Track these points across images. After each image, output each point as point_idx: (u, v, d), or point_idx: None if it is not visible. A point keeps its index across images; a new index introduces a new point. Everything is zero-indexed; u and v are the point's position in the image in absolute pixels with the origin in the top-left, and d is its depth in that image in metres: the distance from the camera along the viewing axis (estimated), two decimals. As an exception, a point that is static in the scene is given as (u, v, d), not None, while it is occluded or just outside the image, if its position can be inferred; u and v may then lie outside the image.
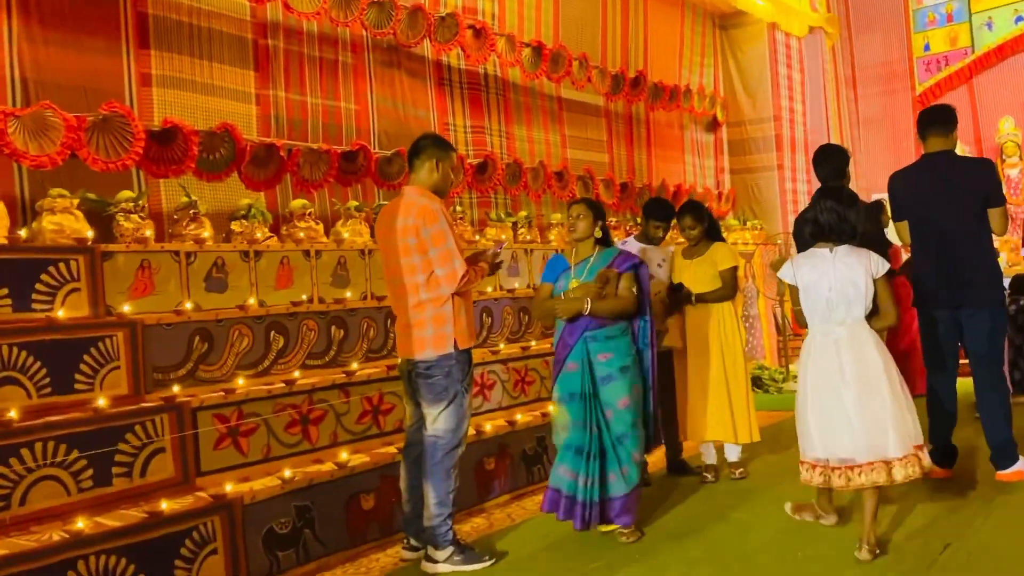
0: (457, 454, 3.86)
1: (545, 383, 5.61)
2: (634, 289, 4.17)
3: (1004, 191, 4.85)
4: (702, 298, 5.09)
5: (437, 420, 3.81)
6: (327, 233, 5.45)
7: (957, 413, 4.83)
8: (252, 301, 4.56)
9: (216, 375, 4.20)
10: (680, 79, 9.97)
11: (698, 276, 5.14)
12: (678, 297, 5.16)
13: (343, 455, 4.22)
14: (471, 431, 4.28)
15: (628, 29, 9.24)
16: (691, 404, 5.17)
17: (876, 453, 3.59)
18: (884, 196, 5.39)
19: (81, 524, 3.20)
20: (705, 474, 5.20)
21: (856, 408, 3.62)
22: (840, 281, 3.68)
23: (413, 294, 3.82)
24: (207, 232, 4.66)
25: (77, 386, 3.70)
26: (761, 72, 10.83)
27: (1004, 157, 11.61)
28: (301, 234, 5.17)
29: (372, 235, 5.14)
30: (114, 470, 3.56)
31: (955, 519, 4.14)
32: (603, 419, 4.11)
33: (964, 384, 4.81)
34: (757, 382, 8.50)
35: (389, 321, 4.90)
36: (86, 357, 3.75)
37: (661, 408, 4.48)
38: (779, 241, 10.23)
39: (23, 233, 4.03)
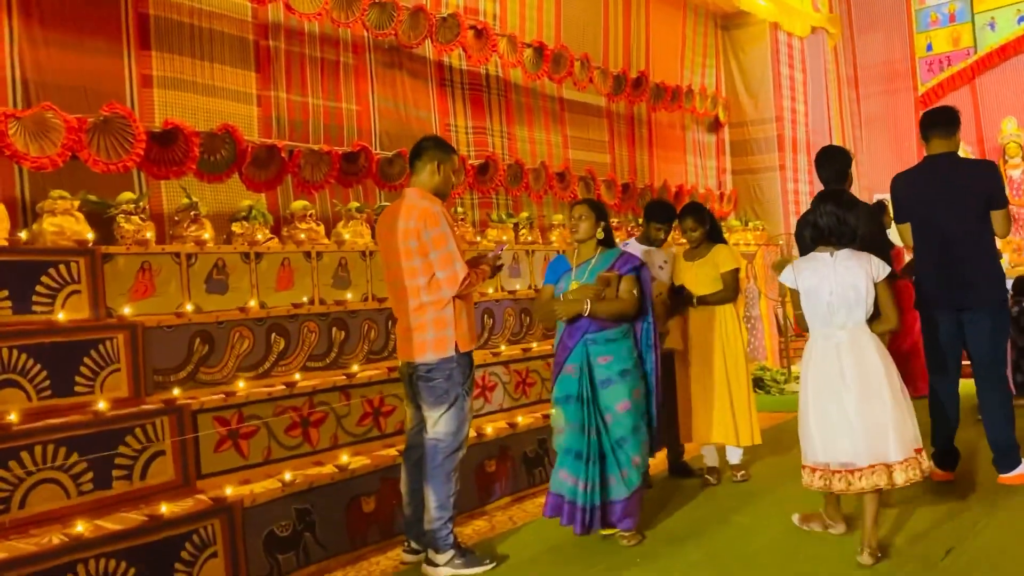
0: (458, 457, 3.85)
1: (546, 385, 5.60)
2: (635, 291, 4.15)
3: (1007, 192, 4.83)
4: (703, 300, 5.08)
5: (438, 423, 3.80)
6: (328, 234, 5.44)
7: (959, 416, 4.82)
8: (253, 303, 4.55)
9: (217, 377, 4.19)
10: (682, 80, 9.95)
11: (699, 278, 5.13)
12: (679, 299, 5.15)
13: (344, 457, 4.21)
14: (472, 433, 4.28)
15: (630, 30, 9.22)
16: (693, 406, 5.16)
17: (877, 456, 3.59)
18: (886, 196, 5.37)
19: (81, 527, 3.20)
20: (707, 476, 5.19)
21: (857, 412, 3.62)
22: (841, 285, 3.68)
23: (414, 297, 3.81)
24: (208, 234, 4.64)
25: (77, 388, 3.70)
26: (763, 72, 10.81)
27: (1006, 158, 11.59)
28: (302, 235, 5.16)
29: (373, 236, 5.13)
30: (114, 473, 3.56)
31: (957, 523, 4.13)
32: (602, 423, 4.09)
33: (966, 385, 4.80)
34: (759, 383, 8.50)
35: (390, 323, 4.90)
36: (86, 359, 3.74)
37: (663, 411, 4.45)
38: (781, 242, 10.22)
39: (23, 235, 4.02)
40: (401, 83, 6.57)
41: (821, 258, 3.77)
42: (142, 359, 3.92)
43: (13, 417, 3.36)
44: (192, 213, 4.65)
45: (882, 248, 5.02)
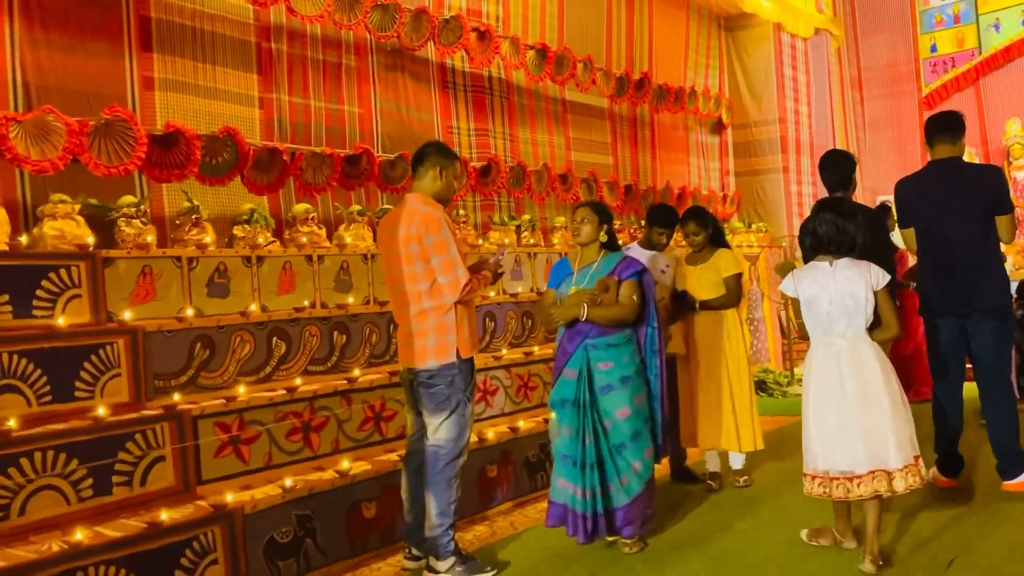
0: (459, 464, 3.83)
1: (548, 389, 5.56)
2: (635, 297, 4.11)
3: (1012, 195, 4.80)
4: (706, 305, 5.06)
5: (439, 430, 3.79)
6: (330, 237, 5.42)
7: (963, 422, 4.79)
8: (254, 307, 4.54)
9: (217, 382, 4.18)
10: (685, 81, 9.93)
11: (702, 282, 5.11)
12: (682, 304, 5.13)
13: (344, 463, 4.20)
14: (473, 438, 4.26)
15: (633, 31, 9.20)
16: (695, 411, 5.14)
17: (876, 463, 3.59)
18: (890, 198, 5.36)
19: (80, 535, 3.18)
20: (709, 482, 5.17)
21: (856, 419, 3.62)
22: (840, 294, 3.69)
23: (415, 302, 3.79)
24: (209, 237, 4.63)
25: (77, 394, 3.69)
26: (766, 74, 10.78)
27: (1011, 159, 11.57)
28: (304, 239, 5.14)
29: (375, 239, 5.11)
30: (114, 479, 3.55)
31: (961, 530, 4.11)
32: (601, 429, 4.06)
33: (969, 389, 4.77)
34: (761, 386, 8.48)
35: (392, 327, 4.88)
36: (87, 364, 3.73)
37: (668, 416, 4.41)
38: (784, 244, 10.19)
39: (24, 239, 4.01)
40: (403, 85, 6.56)
41: (820, 267, 3.78)
42: (143, 364, 3.91)
43: (13, 423, 3.35)
44: (193, 216, 4.63)
45: (885, 252, 5.01)
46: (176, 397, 3.94)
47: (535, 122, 7.90)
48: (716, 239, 5.22)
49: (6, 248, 3.86)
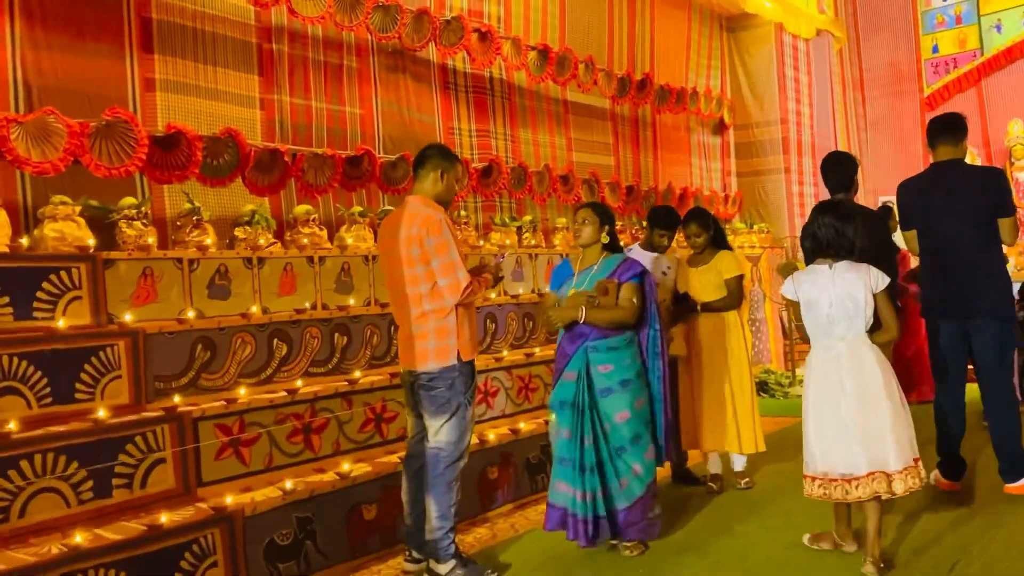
0: (459, 467, 3.82)
1: (549, 390, 5.56)
2: (635, 300, 4.09)
3: (1014, 197, 4.79)
4: (708, 307, 5.06)
5: (439, 432, 3.78)
6: (331, 239, 5.41)
7: (965, 425, 4.78)
8: (255, 309, 4.53)
9: (218, 384, 4.18)
10: (687, 82, 9.92)
11: (703, 284, 5.11)
12: (683, 306, 5.12)
13: (345, 465, 4.19)
14: (474, 440, 4.25)
15: (635, 32, 9.19)
16: (696, 413, 5.13)
17: (875, 465, 3.60)
18: (891, 199, 5.35)
19: (80, 537, 3.18)
20: (710, 484, 5.16)
21: (855, 421, 3.63)
22: (840, 297, 3.70)
23: (416, 305, 3.79)
24: (210, 239, 4.62)
25: (78, 396, 3.68)
26: (768, 74, 10.76)
27: (1013, 160, 11.55)
28: (305, 240, 5.13)
29: (376, 241, 5.11)
30: (114, 481, 3.54)
31: (963, 534, 4.10)
32: (601, 431, 4.04)
33: (971, 391, 4.76)
34: (763, 387, 8.47)
35: (392, 328, 4.87)
36: (87, 366, 3.73)
37: (672, 419, 4.38)
38: (786, 244, 10.18)
39: (25, 241, 4.00)
40: (405, 86, 6.55)
41: (820, 270, 3.79)
42: (143, 366, 3.90)
43: (13, 425, 3.35)
44: (194, 218, 4.63)
45: (887, 253, 5.00)
46: (177, 399, 3.94)
47: (537, 123, 7.90)
48: (718, 241, 5.21)
49: (7, 250, 3.85)
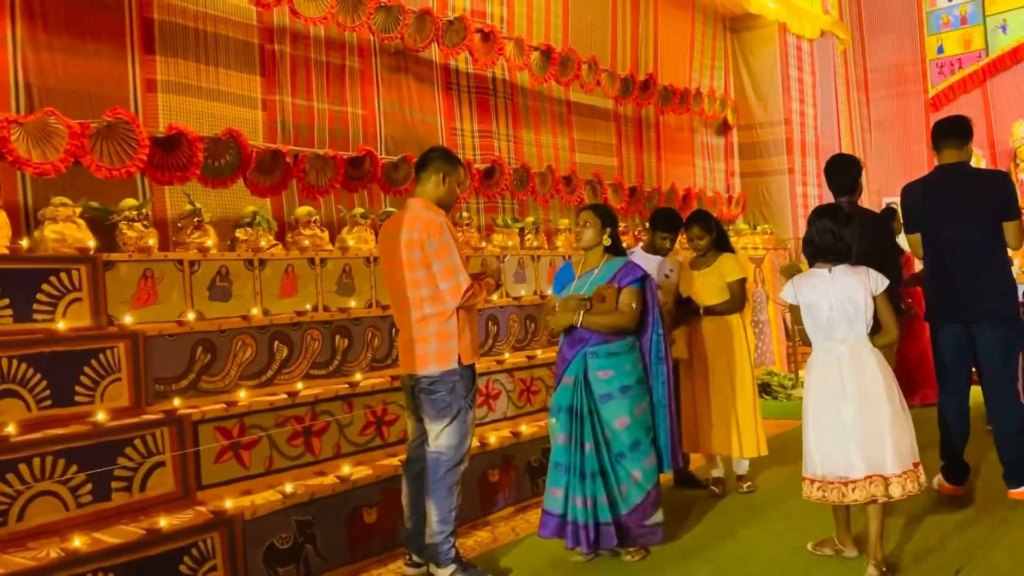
0: (460, 471, 3.81)
1: (551, 393, 5.54)
2: (635, 305, 4.05)
3: (1020, 200, 4.77)
4: (710, 310, 5.03)
5: (440, 436, 3.76)
6: (332, 240, 5.40)
7: (969, 429, 4.76)
8: (256, 311, 4.52)
9: (218, 386, 4.16)
10: (690, 82, 9.89)
11: (706, 287, 5.09)
12: (686, 309, 5.10)
13: (345, 468, 4.18)
14: (475, 442, 4.24)
15: (638, 32, 9.16)
16: (697, 417, 5.11)
17: (873, 468, 3.59)
18: (895, 200, 5.32)
19: (79, 541, 3.16)
20: (712, 488, 5.14)
21: (854, 423, 3.63)
22: (839, 300, 3.71)
23: (416, 308, 3.77)
24: (211, 240, 4.61)
25: (77, 398, 3.67)
26: (772, 75, 10.73)
27: (1017, 161, 11.51)
28: (306, 242, 5.12)
29: (377, 243, 5.09)
30: (113, 485, 3.53)
31: (967, 539, 4.08)
32: (602, 437, 4.00)
33: (975, 394, 4.73)
34: (766, 388, 8.44)
35: (394, 331, 4.84)
36: (87, 369, 3.71)
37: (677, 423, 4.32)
38: (789, 246, 10.15)
39: (25, 242, 3.99)
40: (407, 87, 6.53)
41: (820, 274, 3.79)
42: (143, 368, 3.89)
43: (12, 428, 3.33)
44: (195, 219, 4.61)
45: (891, 255, 4.98)
46: (176, 402, 3.93)
47: (539, 124, 7.87)
48: (720, 243, 5.19)
49: (7, 252, 3.83)
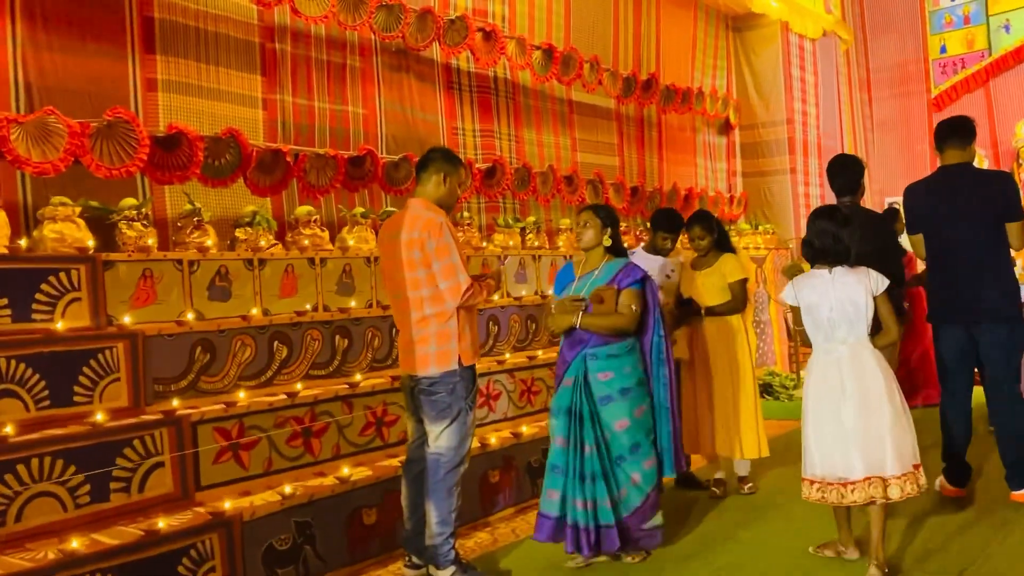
0: (460, 472, 3.79)
1: (551, 393, 5.53)
2: (635, 306, 4.02)
3: (1022, 201, 4.75)
4: (711, 311, 5.01)
5: (440, 437, 3.75)
6: (332, 240, 5.38)
7: (971, 431, 4.74)
8: (255, 311, 4.50)
9: (218, 386, 4.15)
10: (692, 81, 9.87)
11: (707, 287, 5.07)
12: (687, 310, 5.08)
13: (345, 469, 4.16)
14: (475, 443, 4.22)
15: (640, 31, 9.14)
16: (698, 417, 5.10)
17: (872, 470, 3.58)
18: (898, 200, 5.30)
19: (77, 542, 3.16)
20: (714, 488, 5.13)
21: (854, 424, 3.62)
22: (840, 301, 3.70)
23: (416, 309, 3.75)
24: (211, 240, 4.59)
25: (76, 399, 3.66)
26: (774, 74, 10.71)
27: (1020, 161, 11.46)
28: (306, 241, 5.10)
29: (377, 243, 5.07)
30: (112, 485, 3.52)
31: (969, 541, 4.06)
32: (602, 439, 3.98)
33: (977, 395, 4.71)
34: (767, 389, 8.42)
35: (394, 331, 4.83)
36: (86, 369, 3.70)
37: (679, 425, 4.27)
38: (791, 246, 10.12)
39: (24, 242, 3.98)
40: (408, 86, 6.51)
41: (820, 274, 3.78)
42: (142, 368, 3.88)
43: (10, 429, 3.33)
44: (195, 219, 4.60)
45: (893, 255, 4.96)
46: (175, 402, 3.92)
47: (541, 123, 7.86)
48: (722, 243, 5.17)
49: (6, 251, 3.82)
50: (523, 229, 6.83)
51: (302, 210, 5.25)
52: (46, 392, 3.56)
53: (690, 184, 9.69)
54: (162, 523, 3.41)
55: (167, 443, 3.71)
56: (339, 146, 5.78)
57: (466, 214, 6.45)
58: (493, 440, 4.93)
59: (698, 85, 9.89)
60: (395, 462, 4.38)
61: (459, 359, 3.74)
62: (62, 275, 3.81)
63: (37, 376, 3.53)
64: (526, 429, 5.20)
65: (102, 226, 4.25)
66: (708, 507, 4.90)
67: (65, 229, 4.04)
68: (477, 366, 3.92)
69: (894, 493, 3.55)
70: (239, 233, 4.85)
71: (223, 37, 5.30)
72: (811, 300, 3.76)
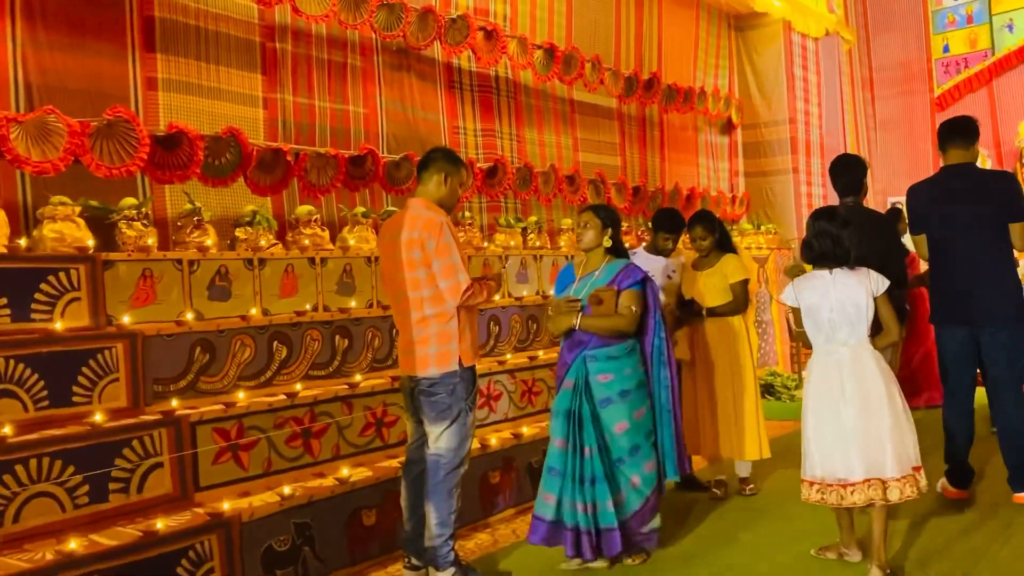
0: (460, 473, 3.78)
1: (552, 394, 5.52)
2: (635, 308, 4.00)
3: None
4: (713, 312, 5.00)
5: (440, 439, 3.73)
6: (333, 240, 5.37)
7: (973, 432, 4.72)
8: (255, 311, 4.49)
9: (217, 387, 4.14)
10: (694, 81, 9.85)
11: (709, 288, 5.05)
12: (689, 311, 5.07)
13: (344, 470, 4.15)
14: (475, 444, 4.21)
15: (642, 30, 9.12)
16: (699, 419, 5.08)
17: (872, 471, 3.57)
18: (901, 200, 5.29)
19: (75, 543, 3.15)
20: (715, 490, 5.11)
21: (854, 426, 3.61)
22: (840, 302, 3.69)
23: (417, 309, 3.74)
24: (211, 240, 4.58)
25: (75, 399, 3.64)
26: (776, 74, 10.68)
27: (1023, 162, 11.43)
28: (306, 241, 5.09)
29: (378, 242, 5.06)
30: (111, 486, 3.51)
31: (971, 543, 4.05)
32: (602, 442, 3.95)
33: (979, 396, 4.69)
34: (769, 389, 8.40)
35: (394, 331, 4.82)
36: (85, 369, 3.69)
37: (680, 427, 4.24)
38: (793, 246, 10.10)
39: (23, 242, 3.96)
40: (409, 85, 6.50)
41: (820, 275, 3.78)
42: (141, 368, 3.86)
43: (8, 429, 3.31)
44: (195, 219, 4.59)
45: (896, 256, 4.94)
46: (175, 403, 3.90)
47: (542, 122, 7.84)
48: (723, 244, 5.16)
49: (5, 251, 3.80)
50: (524, 229, 6.81)
51: (302, 210, 5.23)
52: (45, 392, 3.55)
53: (692, 184, 9.66)
54: (161, 524, 3.40)
55: (166, 443, 3.70)
56: (340, 145, 5.76)
57: (467, 214, 6.43)
58: (493, 441, 4.92)
59: (700, 84, 9.87)
60: (395, 463, 4.37)
61: (459, 360, 3.72)
62: (61, 275, 3.80)
63: (36, 376, 3.52)
64: (527, 430, 5.19)
65: (102, 226, 4.24)
66: (709, 508, 4.88)
67: (65, 229, 4.03)
68: (477, 367, 3.91)
69: (893, 495, 3.55)
70: (239, 233, 4.84)
71: (223, 36, 5.28)
72: (812, 301, 3.75)
